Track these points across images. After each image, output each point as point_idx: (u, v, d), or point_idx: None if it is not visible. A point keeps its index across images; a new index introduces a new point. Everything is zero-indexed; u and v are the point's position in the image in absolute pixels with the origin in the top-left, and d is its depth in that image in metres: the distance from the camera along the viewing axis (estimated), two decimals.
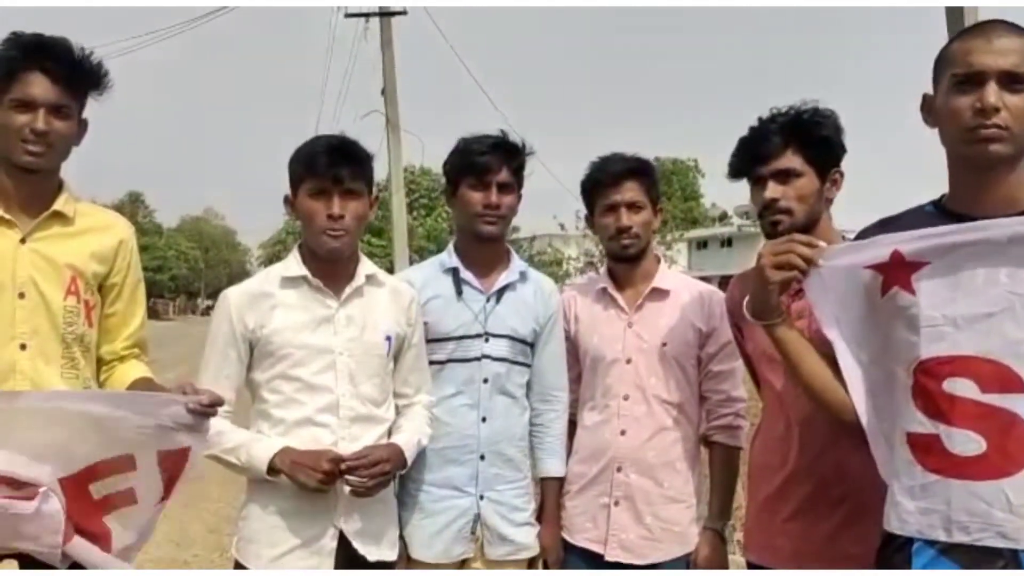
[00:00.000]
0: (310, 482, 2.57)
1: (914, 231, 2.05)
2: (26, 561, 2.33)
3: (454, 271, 3.03)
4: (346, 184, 2.69)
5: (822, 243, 2.21)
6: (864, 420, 2.14)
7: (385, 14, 20.34)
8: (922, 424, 2.00)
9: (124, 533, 2.33)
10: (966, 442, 1.95)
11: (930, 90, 2.14)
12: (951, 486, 1.96)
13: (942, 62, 2.10)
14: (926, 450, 2.00)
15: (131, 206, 75.47)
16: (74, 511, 2.24)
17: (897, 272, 2.04)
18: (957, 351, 1.97)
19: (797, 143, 2.58)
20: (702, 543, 3.01)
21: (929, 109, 2.14)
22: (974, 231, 1.97)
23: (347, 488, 2.64)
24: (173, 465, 2.30)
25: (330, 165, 2.68)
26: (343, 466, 2.59)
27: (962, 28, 7.83)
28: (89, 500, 2.26)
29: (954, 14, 7.60)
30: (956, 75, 2.03)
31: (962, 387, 1.96)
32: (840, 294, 2.15)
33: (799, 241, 2.22)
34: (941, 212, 2.14)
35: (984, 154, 2.02)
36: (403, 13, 20.51)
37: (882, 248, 2.07)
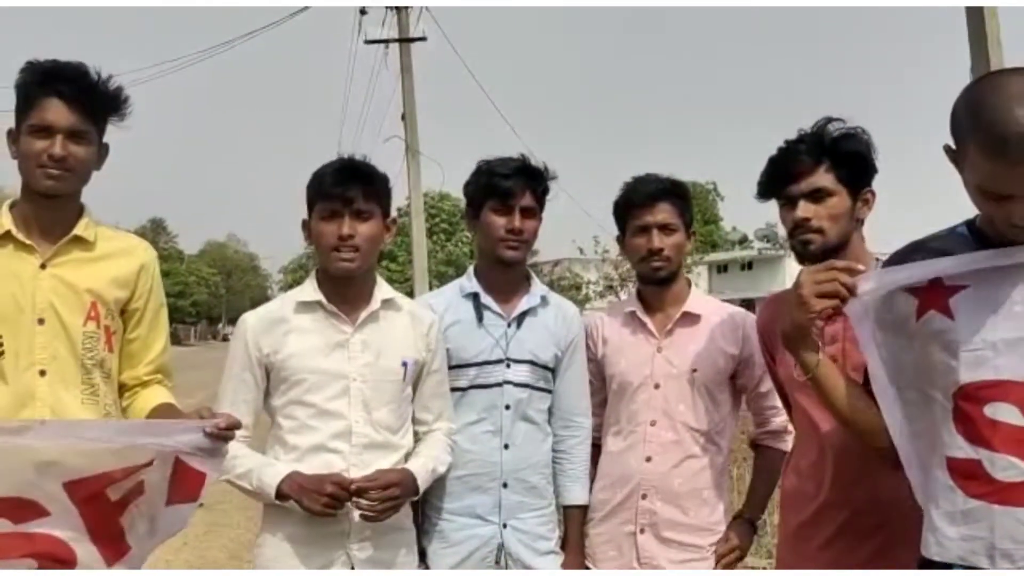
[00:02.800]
0: (315, 506, 2.55)
1: (953, 258, 2.00)
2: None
3: (474, 296, 3.00)
4: (356, 205, 2.68)
5: (861, 267, 2.17)
6: (898, 443, 2.11)
7: (404, 40, 20.48)
8: (963, 449, 1.97)
9: (136, 527, 2.30)
10: (1008, 467, 1.92)
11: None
12: (994, 512, 1.92)
13: (963, 148, 1.92)
14: (968, 475, 1.96)
15: (153, 232, 76.21)
16: (88, 513, 2.22)
17: (934, 295, 2.01)
18: (998, 376, 1.93)
19: (829, 161, 2.54)
20: (732, 528, 3.01)
21: (953, 160, 2.00)
22: (1013, 256, 1.93)
23: (357, 513, 2.62)
24: (185, 476, 2.27)
25: (339, 186, 2.68)
26: (352, 487, 2.57)
27: (983, 26, 7.70)
28: (106, 502, 2.23)
29: (974, 15, 7.55)
30: (982, 188, 1.90)
31: (1004, 412, 1.93)
32: (877, 317, 2.11)
33: (840, 268, 2.17)
34: (975, 236, 2.08)
35: (1019, 241, 1.95)
36: (422, 39, 20.65)
37: (920, 273, 2.03)
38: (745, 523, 3.04)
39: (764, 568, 5.31)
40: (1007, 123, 1.79)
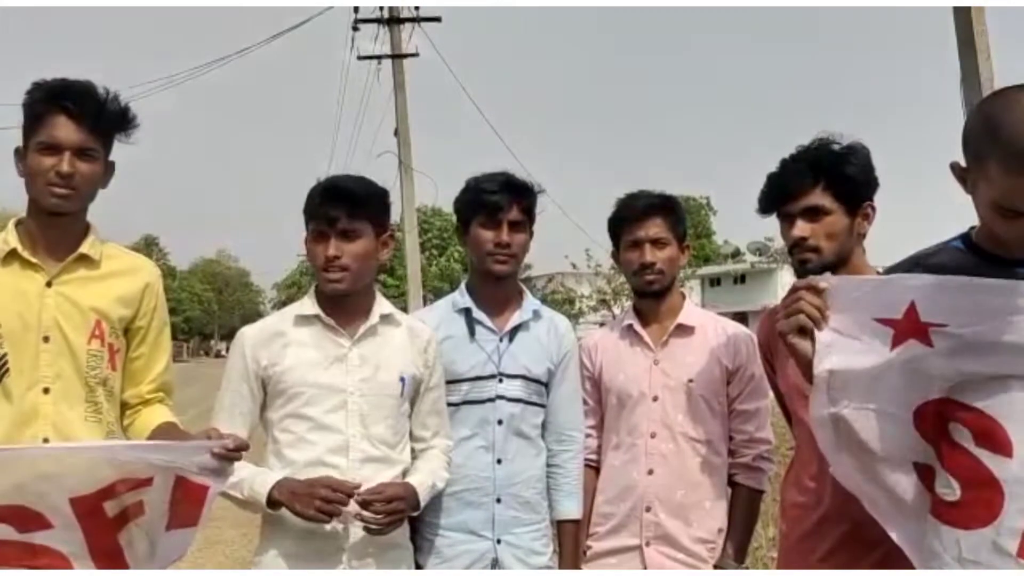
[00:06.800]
0: (308, 510, 2.53)
1: (935, 278, 2.00)
2: None
3: (467, 311, 3.02)
4: (340, 225, 2.68)
5: (823, 283, 2.14)
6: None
7: (397, 56, 20.55)
8: (927, 456, 2.04)
9: (135, 548, 2.30)
10: (946, 485, 1.98)
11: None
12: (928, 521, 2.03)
13: (978, 165, 1.96)
14: (928, 484, 2.04)
15: (146, 250, 76.04)
16: (88, 528, 2.22)
17: (911, 326, 2.00)
18: (966, 400, 1.97)
19: (826, 180, 2.56)
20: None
21: (962, 179, 2.04)
22: (1002, 293, 1.93)
23: (359, 530, 2.61)
24: (187, 494, 2.28)
25: (323, 206, 2.69)
26: (357, 499, 2.55)
27: (971, 24, 7.73)
28: (103, 517, 2.24)
29: (962, 15, 7.60)
30: (1000, 205, 1.93)
31: (960, 434, 1.97)
32: (849, 349, 2.09)
33: (803, 287, 2.16)
34: (971, 250, 2.10)
35: None
36: (415, 55, 20.73)
37: (897, 294, 2.02)
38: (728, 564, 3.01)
39: None
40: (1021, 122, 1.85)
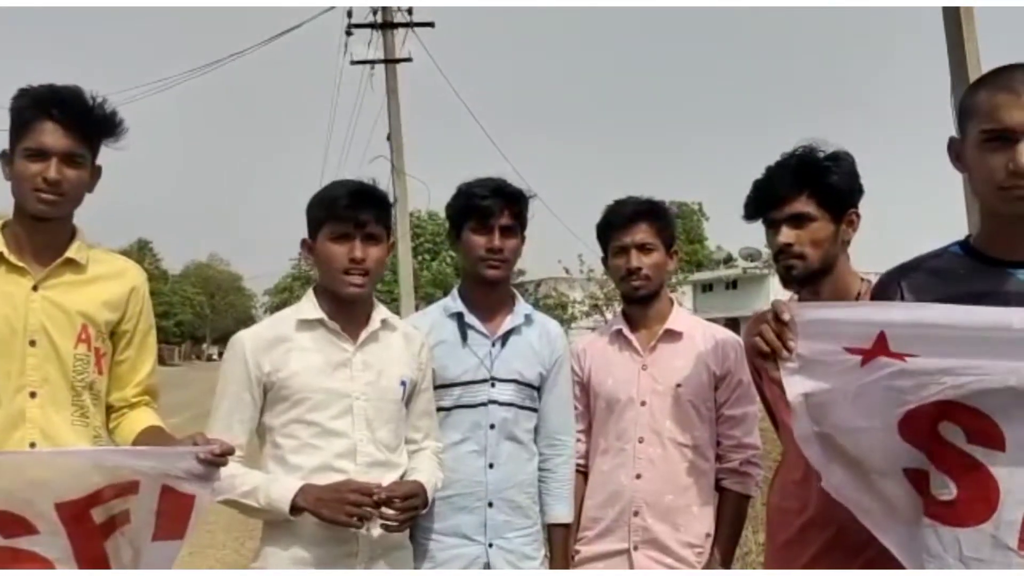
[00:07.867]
0: (339, 516, 2.52)
1: (904, 308, 2.05)
2: None
3: (459, 316, 3.03)
4: (368, 228, 2.69)
5: (786, 314, 2.17)
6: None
7: (390, 61, 20.54)
8: (919, 461, 2.04)
9: (121, 556, 2.28)
10: (942, 485, 2.00)
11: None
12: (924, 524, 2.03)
13: (968, 112, 2.07)
14: (922, 487, 2.05)
15: (139, 253, 75.80)
16: (74, 534, 2.22)
17: (881, 353, 2.02)
18: (958, 398, 1.97)
19: (811, 187, 2.58)
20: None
21: (957, 155, 2.12)
22: (971, 319, 1.94)
23: (371, 532, 2.60)
24: (174, 505, 2.27)
25: (352, 209, 2.69)
26: (377, 497, 2.55)
27: (960, 29, 7.78)
28: (90, 524, 2.23)
29: (951, 14, 7.62)
30: (985, 131, 2.01)
31: (952, 433, 1.99)
32: (820, 373, 2.13)
33: (770, 312, 2.20)
34: (969, 254, 2.12)
35: (1020, 211, 2.01)
36: (408, 60, 20.71)
37: (865, 325, 2.05)
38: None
39: None
40: (1012, 67, 2.03)
